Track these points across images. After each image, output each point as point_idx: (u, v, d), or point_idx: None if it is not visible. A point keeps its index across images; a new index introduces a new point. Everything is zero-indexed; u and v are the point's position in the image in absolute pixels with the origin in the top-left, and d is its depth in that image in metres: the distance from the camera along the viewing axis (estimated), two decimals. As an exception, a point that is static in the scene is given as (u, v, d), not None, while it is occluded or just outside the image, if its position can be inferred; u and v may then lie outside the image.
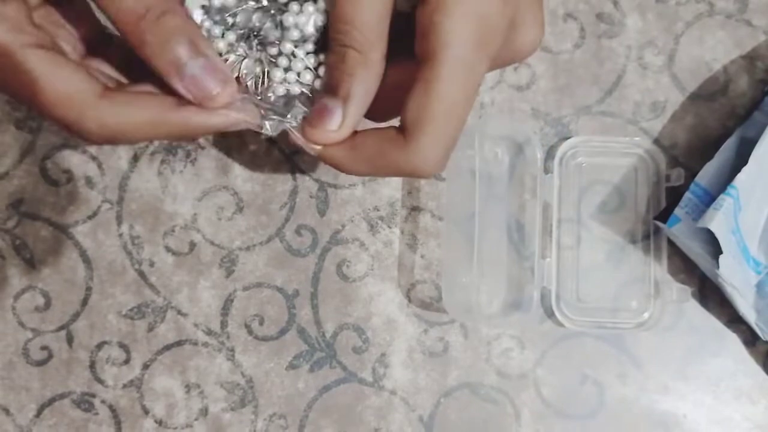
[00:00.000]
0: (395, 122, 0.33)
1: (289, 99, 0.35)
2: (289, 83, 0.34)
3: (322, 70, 0.34)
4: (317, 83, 0.34)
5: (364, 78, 0.32)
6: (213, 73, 0.32)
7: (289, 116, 0.34)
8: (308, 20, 0.34)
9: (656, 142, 0.45)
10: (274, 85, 0.34)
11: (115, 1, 0.31)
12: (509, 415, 0.44)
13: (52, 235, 0.45)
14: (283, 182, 0.45)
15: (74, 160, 0.45)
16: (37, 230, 0.45)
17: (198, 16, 0.34)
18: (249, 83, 0.34)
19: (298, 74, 0.34)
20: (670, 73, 0.46)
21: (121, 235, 0.45)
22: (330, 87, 0.33)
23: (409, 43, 0.33)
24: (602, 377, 0.44)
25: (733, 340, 0.44)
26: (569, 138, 0.45)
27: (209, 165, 0.45)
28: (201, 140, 0.45)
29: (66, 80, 0.31)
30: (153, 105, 0.32)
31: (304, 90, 0.34)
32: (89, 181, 0.45)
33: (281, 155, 0.45)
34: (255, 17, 0.34)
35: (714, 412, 0.44)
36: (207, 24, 0.34)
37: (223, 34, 0.34)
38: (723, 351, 0.44)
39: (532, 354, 0.44)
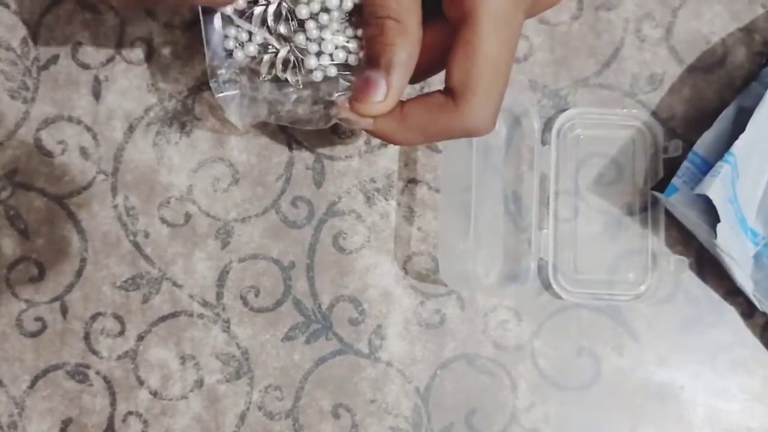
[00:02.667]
0: (434, 83, 0.34)
1: (328, 80, 0.35)
2: (324, 66, 0.35)
3: (351, 45, 0.35)
4: (351, 59, 0.35)
5: (405, 46, 0.32)
6: None
7: (334, 95, 0.35)
8: (322, 5, 0.34)
9: (654, 114, 0.45)
10: (312, 71, 0.35)
11: None
12: (506, 387, 0.44)
13: (46, 205, 0.44)
14: (279, 154, 0.45)
15: (69, 131, 0.45)
16: (31, 201, 0.44)
17: (218, 24, 0.35)
18: (288, 76, 0.35)
19: (331, 55, 0.35)
20: (668, 45, 0.46)
21: (116, 206, 0.44)
22: (371, 59, 0.33)
23: (435, 4, 0.33)
24: (599, 349, 0.44)
25: (730, 312, 0.44)
26: (566, 110, 0.45)
27: (205, 136, 0.45)
28: (197, 111, 0.45)
29: None
30: None
31: (339, 69, 0.35)
32: (84, 152, 0.45)
33: (277, 126, 0.45)
34: (270, 12, 0.34)
35: (711, 384, 0.44)
36: (232, 32, 0.35)
37: (249, 38, 0.35)
38: (720, 323, 0.44)
39: (529, 326, 0.44)
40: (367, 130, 0.35)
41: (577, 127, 0.45)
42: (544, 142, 0.45)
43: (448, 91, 0.33)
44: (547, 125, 0.45)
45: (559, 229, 0.44)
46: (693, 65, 0.46)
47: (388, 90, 0.33)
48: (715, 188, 0.38)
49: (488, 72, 0.32)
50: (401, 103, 0.34)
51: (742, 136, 0.39)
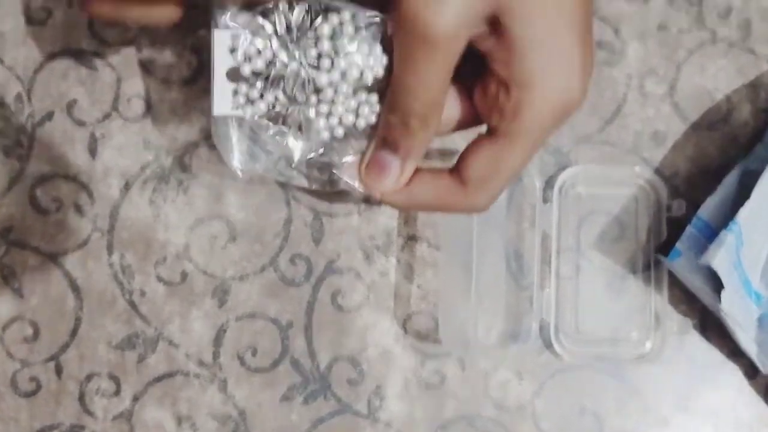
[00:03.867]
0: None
1: (334, 144, 0.35)
2: (332, 127, 0.35)
3: (362, 110, 0.35)
4: (360, 123, 0.35)
5: (423, 139, 0.34)
6: None
7: (336, 157, 0.36)
8: (342, 75, 0.34)
9: (657, 171, 0.45)
10: (320, 130, 0.35)
11: None
12: (507, 450, 0.43)
13: (41, 264, 0.44)
14: (277, 210, 0.44)
15: (64, 189, 0.44)
16: (25, 259, 0.44)
17: (230, 86, 0.34)
18: (292, 132, 0.35)
19: (340, 118, 0.35)
20: (672, 101, 0.45)
21: (111, 264, 0.44)
22: (388, 142, 0.34)
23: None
24: (601, 409, 0.44)
25: (733, 373, 0.44)
26: (568, 167, 0.44)
27: (202, 193, 0.44)
28: (194, 168, 0.44)
29: None
30: None
31: (346, 130, 0.35)
32: (79, 210, 0.44)
33: (275, 183, 0.44)
34: (288, 71, 0.34)
35: (715, 447, 0.43)
36: (244, 89, 0.34)
37: (261, 95, 0.34)
38: (723, 383, 0.44)
39: (531, 386, 0.44)
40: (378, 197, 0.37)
41: (579, 184, 0.44)
42: (545, 200, 0.44)
43: (458, 174, 0.34)
44: (549, 182, 0.44)
45: (561, 288, 0.44)
46: (697, 122, 0.45)
47: (401, 173, 0.35)
48: (719, 258, 0.37)
49: (506, 178, 0.34)
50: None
51: (746, 204, 0.38)
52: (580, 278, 0.44)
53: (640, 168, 0.44)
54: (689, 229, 0.40)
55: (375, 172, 0.35)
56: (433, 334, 0.44)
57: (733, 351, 0.43)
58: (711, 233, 0.40)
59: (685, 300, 0.44)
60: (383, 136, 0.35)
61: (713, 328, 0.44)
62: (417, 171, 0.36)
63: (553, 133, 0.34)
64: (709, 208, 0.40)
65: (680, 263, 0.40)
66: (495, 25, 0.31)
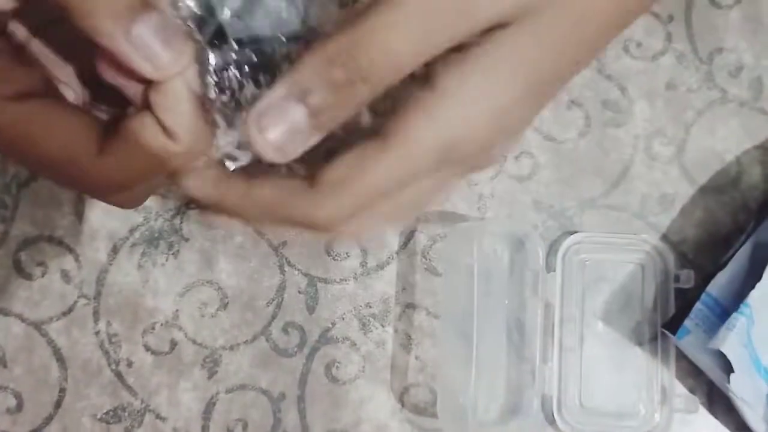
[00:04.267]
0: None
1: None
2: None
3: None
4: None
5: (351, 111, 0.26)
6: (164, 35, 0.26)
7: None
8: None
9: (664, 237, 0.43)
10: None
11: None
12: None
13: (24, 332, 0.42)
14: (270, 276, 0.43)
15: (50, 252, 0.43)
16: (8, 326, 0.42)
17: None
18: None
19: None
20: (680, 164, 0.44)
21: (97, 332, 0.42)
22: (305, 95, 0.26)
23: None
24: (605, 485, 0.42)
25: (742, 450, 0.42)
26: (572, 233, 0.43)
27: (192, 258, 0.43)
28: (184, 231, 0.43)
29: (64, 133, 0.27)
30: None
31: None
32: (65, 275, 0.42)
33: (269, 247, 0.43)
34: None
35: None
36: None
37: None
38: (732, 458, 0.42)
39: (531, 460, 0.42)
40: (201, 204, 0.29)
41: (584, 251, 0.43)
42: (548, 268, 0.42)
43: (312, 175, 0.27)
44: (552, 248, 0.43)
45: (564, 360, 0.42)
46: (706, 186, 0.43)
47: (301, 140, 0.26)
48: (729, 342, 0.36)
49: (367, 194, 0.26)
50: (246, 175, 0.28)
51: (758, 286, 0.37)
52: (584, 350, 0.43)
53: (647, 234, 0.43)
54: (698, 306, 0.39)
55: (272, 119, 0.26)
56: (430, 408, 0.42)
57: (740, 427, 0.42)
58: (721, 311, 0.38)
59: (693, 373, 0.42)
60: (299, 86, 0.26)
61: (720, 403, 0.42)
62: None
63: (435, 170, 0.27)
64: (719, 284, 0.39)
65: (688, 341, 0.39)
66: None
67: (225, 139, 0.29)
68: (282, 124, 0.26)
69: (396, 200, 0.28)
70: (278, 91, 0.26)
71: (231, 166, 0.29)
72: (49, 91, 0.28)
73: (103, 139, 0.28)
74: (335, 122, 0.26)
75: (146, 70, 0.26)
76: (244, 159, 0.29)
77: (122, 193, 0.29)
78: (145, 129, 0.27)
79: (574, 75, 0.29)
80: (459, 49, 0.26)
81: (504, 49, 0.26)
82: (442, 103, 0.26)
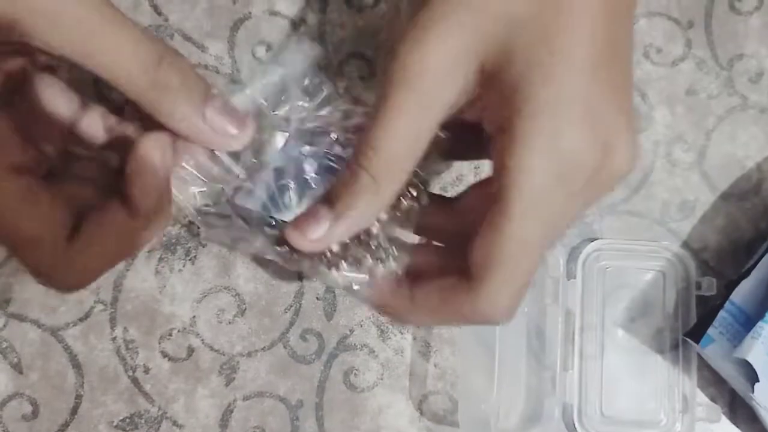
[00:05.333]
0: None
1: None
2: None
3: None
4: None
5: (367, 206, 0.29)
6: (231, 114, 0.31)
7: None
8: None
9: (685, 244, 0.43)
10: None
11: (127, 53, 0.28)
12: None
13: (40, 337, 0.42)
14: (288, 282, 0.42)
15: (66, 258, 0.42)
16: (25, 332, 0.42)
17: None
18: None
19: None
20: (701, 170, 0.43)
21: (114, 338, 0.42)
22: (329, 196, 0.29)
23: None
24: (625, 495, 0.42)
25: (765, 459, 0.42)
26: (593, 240, 0.42)
27: (210, 264, 0.42)
28: (202, 236, 0.42)
29: (37, 215, 0.28)
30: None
31: None
32: (82, 280, 0.42)
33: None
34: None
35: None
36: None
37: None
38: (754, 468, 0.42)
39: (551, 469, 0.42)
40: (376, 309, 0.32)
41: (604, 258, 0.42)
42: (569, 275, 0.42)
43: (466, 273, 0.29)
44: (573, 255, 0.42)
45: (585, 368, 0.42)
46: (727, 192, 0.43)
47: (325, 234, 0.29)
48: (755, 351, 0.35)
49: (511, 256, 0.28)
50: (411, 281, 0.31)
51: (784, 293, 0.36)
52: (605, 358, 0.42)
53: (668, 241, 0.42)
54: (722, 314, 0.38)
55: (302, 221, 0.30)
56: (449, 416, 0.42)
57: (765, 435, 0.41)
58: (746, 319, 0.38)
59: (714, 381, 0.42)
60: (327, 191, 0.30)
61: (742, 412, 0.41)
62: (421, 274, 0.31)
63: (572, 197, 0.28)
64: (742, 292, 0.38)
65: (712, 350, 0.38)
66: (489, 75, 0.27)
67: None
68: (307, 228, 0.30)
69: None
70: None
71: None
72: (38, 169, 0.29)
73: (76, 226, 0.29)
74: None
75: (218, 144, 0.30)
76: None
77: (81, 283, 0.30)
78: (113, 211, 0.30)
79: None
80: None
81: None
82: (530, 136, 0.27)
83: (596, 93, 0.27)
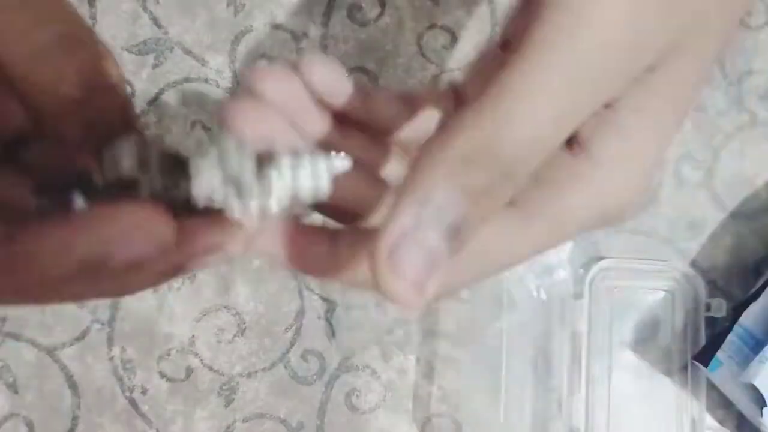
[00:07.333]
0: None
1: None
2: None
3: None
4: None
5: (492, 210, 0.21)
6: None
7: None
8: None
9: (693, 264, 0.42)
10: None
11: None
12: None
13: (36, 357, 0.41)
14: (288, 302, 0.42)
15: (63, 276, 0.41)
16: (20, 352, 0.41)
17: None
18: None
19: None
20: (709, 188, 0.42)
21: (111, 358, 0.41)
22: (434, 216, 0.19)
23: None
24: None
25: (774, 483, 0.41)
26: (600, 259, 0.42)
27: (209, 282, 0.42)
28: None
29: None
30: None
31: None
32: (78, 299, 0.41)
33: (288, 272, 0.42)
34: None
35: None
36: None
37: None
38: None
39: (557, 493, 0.41)
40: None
41: (611, 278, 0.42)
42: (576, 296, 0.41)
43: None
44: (580, 275, 0.42)
45: (592, 391, 0.41)
46: (736, 211, 0.42)
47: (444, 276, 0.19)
48: (763, 375, 0.35)
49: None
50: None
51: (795, 318, 0.36)
52: (612, 380, 0.41)
53: (676, 261, 0.42)
54: (731, 338, 0.38)
55: (405, 254, 0.18)
56: (453, 439, 0.41)
57: (775, 460, 0.41)
58: (755, 343, 0.37)
59: (722, 405, 0.41)
60: (431, 203, 0.19)
61: (753, 435, 0.41)
62: None
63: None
64: (752, 315, 0.38)
65: (721, 374, 0.38)
66: None
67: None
68: (417, 257, 0.19)
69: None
70: (405, 212, 0.19)
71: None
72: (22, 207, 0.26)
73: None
74: (475, 235, 0.20)
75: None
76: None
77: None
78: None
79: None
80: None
81: (658, 99, 0.22)
82: (599, 174, 0.22)
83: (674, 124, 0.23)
